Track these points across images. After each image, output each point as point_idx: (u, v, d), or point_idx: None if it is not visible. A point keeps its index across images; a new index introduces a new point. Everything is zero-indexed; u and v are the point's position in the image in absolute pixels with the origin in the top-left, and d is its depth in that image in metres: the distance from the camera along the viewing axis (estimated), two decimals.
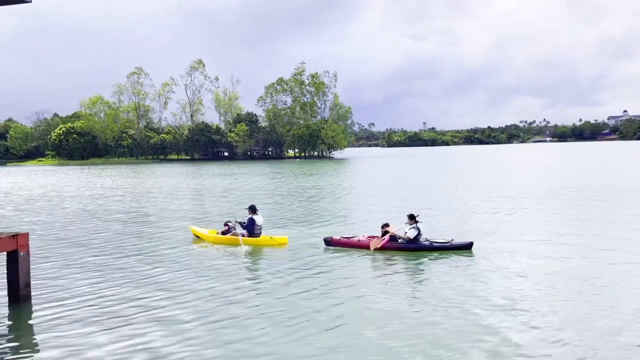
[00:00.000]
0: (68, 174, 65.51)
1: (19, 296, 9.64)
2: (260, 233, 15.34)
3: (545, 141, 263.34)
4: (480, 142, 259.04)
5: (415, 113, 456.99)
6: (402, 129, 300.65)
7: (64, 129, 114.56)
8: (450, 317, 8.68)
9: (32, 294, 10.01)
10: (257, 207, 15.76)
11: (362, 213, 22.06)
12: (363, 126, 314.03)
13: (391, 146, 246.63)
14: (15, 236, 9.50)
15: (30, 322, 8.97)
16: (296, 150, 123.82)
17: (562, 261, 12.50)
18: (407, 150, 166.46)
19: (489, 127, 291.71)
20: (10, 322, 9.01)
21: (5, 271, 9.79)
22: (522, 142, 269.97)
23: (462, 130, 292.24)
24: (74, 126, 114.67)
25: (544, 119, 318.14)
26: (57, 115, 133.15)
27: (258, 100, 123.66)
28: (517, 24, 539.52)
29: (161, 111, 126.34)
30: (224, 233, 15.77)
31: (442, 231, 16.32)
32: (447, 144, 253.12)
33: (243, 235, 15.19)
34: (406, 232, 13.77)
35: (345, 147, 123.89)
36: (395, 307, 9.30)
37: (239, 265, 12.94)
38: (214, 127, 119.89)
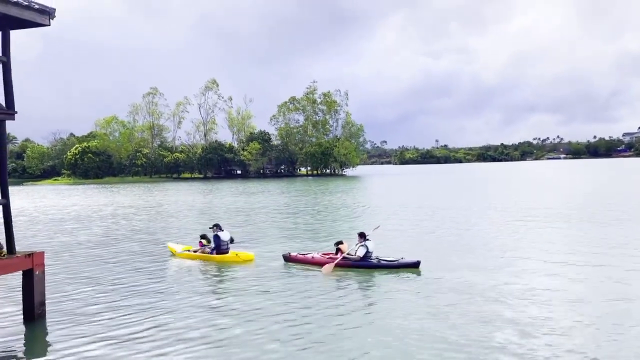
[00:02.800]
0: (84, 193, 66.30)
1: (34, 315, 9.76)
2: (228, 249, 15.83)
3: (559, 158, 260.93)
4: (493, 160, 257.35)
5: (428, 131, 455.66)
6: (414, 146, 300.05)
7: (79, 148, 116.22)
8: (391, 333, 8.99)
9: (47, 312, 10.11)
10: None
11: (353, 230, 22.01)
12: (375, 144, 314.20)
13: (403, 164, 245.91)
14: (31, 255, 9.66)
15: (44, 341, 9.07)
16: (308, 168, 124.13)
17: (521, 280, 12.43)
18: (419, 168, 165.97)
19: (502, 144, 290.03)
20: (25, 341, 9.13)
21: (21, 290, 9.93)
22: (535, 159, 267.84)
23: (474, 147, 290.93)
24: (89, 145, 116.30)
25: (558, 136, 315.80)
26: (73, 135, 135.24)
27: (271, 119, 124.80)
28: (533, 41, 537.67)
29: (175, 130, 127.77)
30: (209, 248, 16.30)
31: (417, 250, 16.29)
32: (459, 161, 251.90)
33: (212, 252, 15.82)
34: (356, 251, 14.10)
35: (358, 164, 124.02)
36: (341, 322, 9.63)
37: (207, 281, 13.48)
38: (227, 146, 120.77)
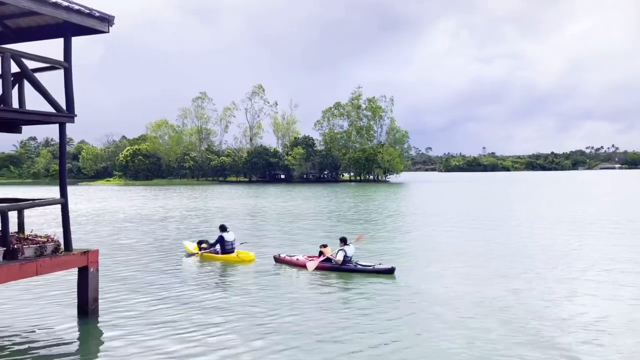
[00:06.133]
0: (137, 194, 68.55)
1: (87, 310, 10.13)
2: (234, 248, 16.94)
3: (614, 168, 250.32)
4: (543, 169, 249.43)
5: (475, 138, 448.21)
6: (460, 153, 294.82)
7: (130, 150, 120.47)
8: (356, 334, 9.32)
9: (99, 308, 10.48)
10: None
11: (380, 237, 21.80)
12: (420, 150, 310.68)
13: (448, 171, 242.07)
14: (86, 253, 10.05)
15: (98, 335, 9.42)
16: (351, 174, 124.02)
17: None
18: (465, 176, 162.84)
19: (552, 152, 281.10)
20: (80, 335, 9.52)
21: (76, 285, 10.34)
22: (588, 168, 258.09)
23: (523, 155, 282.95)
24: (140, 148, 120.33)
25: (612, 145, 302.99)
26: (125, 138, 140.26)
27: (315, 125, 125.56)
28: (592, 47, 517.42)
29: (222, 134, 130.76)
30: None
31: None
32: (507, 169, 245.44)
33: (217, 252, 16.96)
34: (336, 255, 14.83)
35: (402, 171, 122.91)
36: (308, 321, 10.11)
37: (214, 279, 14.45)
38: (272, 150, 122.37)
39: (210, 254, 17.06)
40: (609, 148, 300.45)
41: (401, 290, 12.51)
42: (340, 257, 14.67)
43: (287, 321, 10.11)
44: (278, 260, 16.15)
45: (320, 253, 15.34)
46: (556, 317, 10.23)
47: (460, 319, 10.12)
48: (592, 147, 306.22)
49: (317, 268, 14.84)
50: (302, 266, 15.22)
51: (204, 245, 17.64)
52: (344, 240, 15.20)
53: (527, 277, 13.86)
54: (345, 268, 14.58)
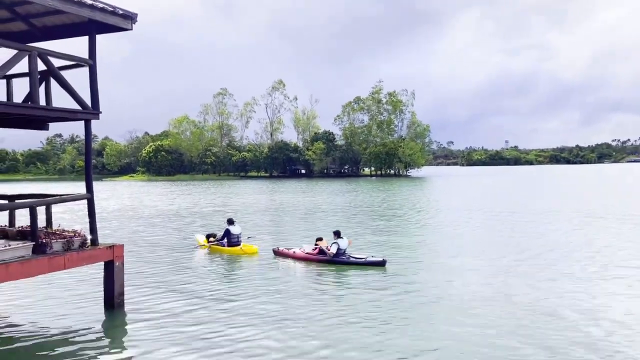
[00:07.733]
0: (163, 189, 69.42)
1: (114, 304, 10.33)
2: (240, 241, 17.64)
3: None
4: (567, 162, 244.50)
5: (498, 132, 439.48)
6: (482, 147, 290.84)
7: (153, 146, 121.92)
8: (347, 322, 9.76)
9: (125, 301, 10.66)
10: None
11: (393, 232, 21.65)
12: (442, 144, 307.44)
13: (470, 165, 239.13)
14: (112, 247, 10.23)
15: (124, 328, 9.60)
16: (372, 169, 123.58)
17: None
18: (487, 170, 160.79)
19: (577, 145, 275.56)
20: (106, 328, 9.71)
21: (102, 279, 10.53)
22: (614, 161, 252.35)
23: (547, 149, 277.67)
24: (162, 144, 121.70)
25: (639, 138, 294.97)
26: (148, 134, 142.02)
27: (335, 119, 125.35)
28: (621, 37, 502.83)
29: (243, 130, 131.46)
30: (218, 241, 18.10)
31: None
32: (530, 163, 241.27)
33: (223, 245, 17.70)
34: (330, 248, 15.31)
35: (423, 165, 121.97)
36: (299, 311, 10.57)
37: (218, 270, 15.21)
38: (292, 145, 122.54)
39: (217, 247, 17.85)
40: (635, 141, 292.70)
41: (390, 282, 12.83)
42: (333, 250, 15.17)
43: (284, 311, 10.47)
44: (277, 253, 16.84)
45: (316, 245, 15.84)
46: (552, 313, 10.09)
47: (448, 312, 10.29)
48: (619, 140, 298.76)
49: (312, 260, 15.51)
50: (299, 259, 15.85)
51: (211, 238, 18.41)
52: (337, 234, 15.64)
53: (531, 275, 13.65)
54: (338, 260, 15.09)
